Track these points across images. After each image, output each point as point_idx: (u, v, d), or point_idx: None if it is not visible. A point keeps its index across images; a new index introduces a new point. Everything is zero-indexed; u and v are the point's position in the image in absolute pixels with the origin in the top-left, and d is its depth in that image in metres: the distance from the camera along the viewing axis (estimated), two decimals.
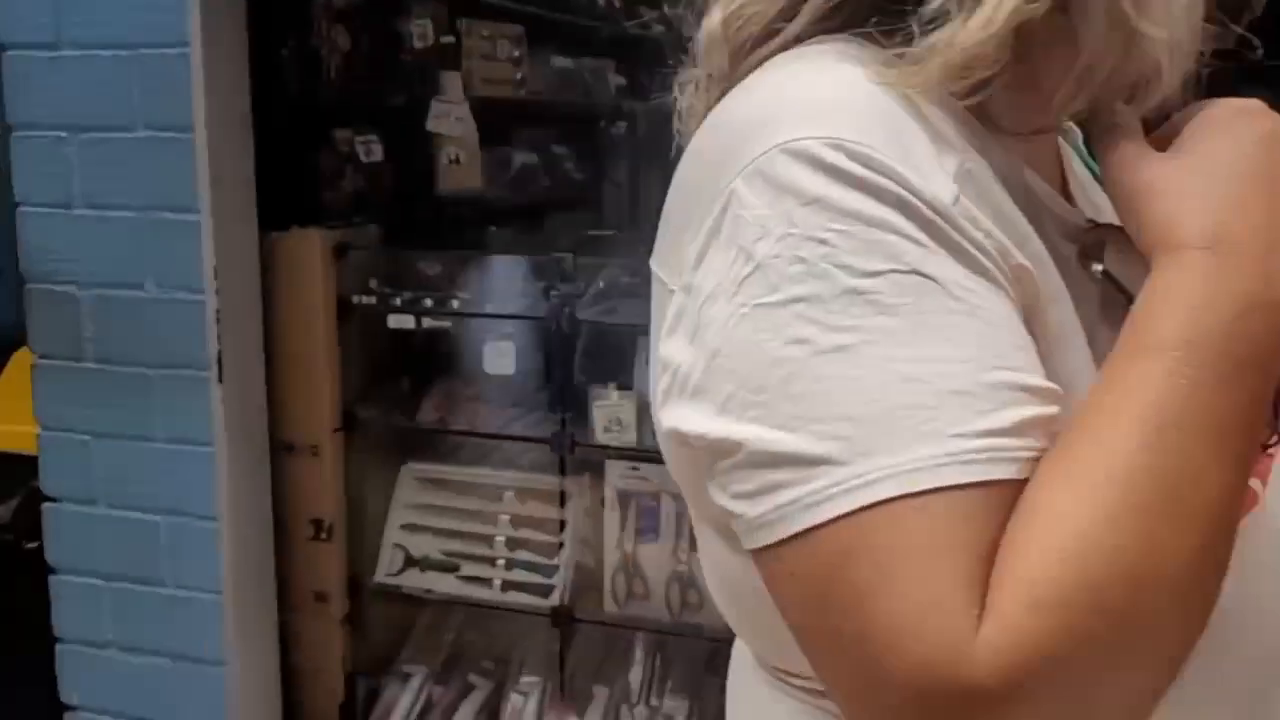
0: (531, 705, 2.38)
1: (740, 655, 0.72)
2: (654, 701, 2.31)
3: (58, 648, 2.31)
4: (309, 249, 2.21)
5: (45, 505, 2.25)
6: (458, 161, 2.48)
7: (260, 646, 2.27)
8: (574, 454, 2.19)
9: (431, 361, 2.35)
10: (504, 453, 2.39)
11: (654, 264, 0.63)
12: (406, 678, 2.46)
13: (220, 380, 2.08)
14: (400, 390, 2.38)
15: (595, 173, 3.44)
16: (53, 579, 2.28)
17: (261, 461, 2.24)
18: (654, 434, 2.03)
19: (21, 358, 2.60)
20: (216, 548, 2.14)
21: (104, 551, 2.22)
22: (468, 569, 2.34)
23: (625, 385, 2.15)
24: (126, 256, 2.08)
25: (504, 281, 2.27)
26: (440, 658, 2.50)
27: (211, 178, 2.01)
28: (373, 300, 2.25)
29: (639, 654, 2.33)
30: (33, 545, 2.50)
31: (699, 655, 2.34)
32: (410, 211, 2.51)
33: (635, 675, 2.32)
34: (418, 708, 2.43)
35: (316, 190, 2.32)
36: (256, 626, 2.25)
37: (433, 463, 2.42)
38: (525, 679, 2.41)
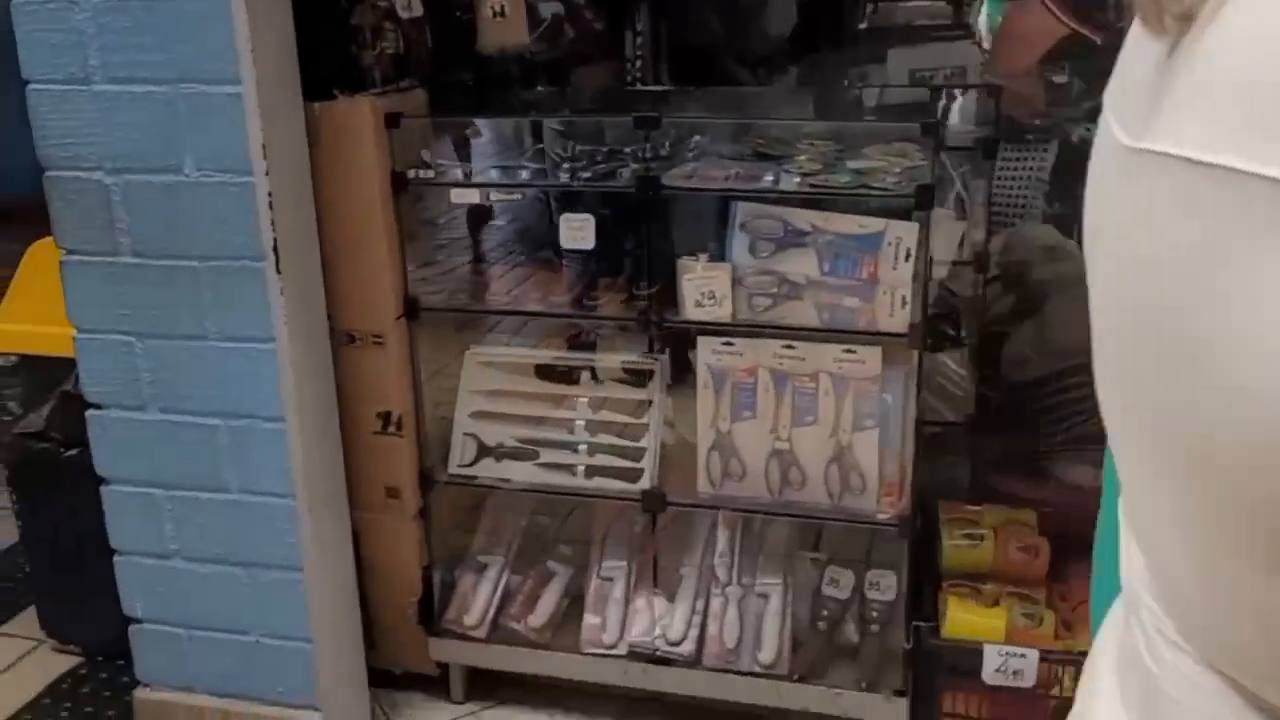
0: (618, 589, 2.30)
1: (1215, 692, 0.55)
2: (745, 580, 2.24)
3: (116, 560, 2.18)
4: (358, 119, 1.99)
5: (89, 413, 2.08)
6: (502, 14, 2.25)
7: (335, 549, 2.15)
8: (662, 331, 2.05)
9: (496, 238, 2.18)
10: (575, 331, 2.24)
11: (1176, 146, 0.44)
12: (483, 568, 2.37)
13: (279, 270, 1.89)
14: (462, 271, 2.20)
15: (616, 21, 3.19)
16: (105, 490, 2.13)
17: (325, 355, 2.07)
18: (750, 306, 1.85)
19: (39, 250, 2.39)
20: (286, 449, 1.99)
21: (159, 459, 2.07)
22: (547, 455, 2.21)
23: (716, 256, 1.99)
24: (159, 136, 1.86)
25: (572, 147, 2.07)
26: (515, 545, 2.41)
27: (253, 41, 1.78)
28: (430, 173, 2.05)
29: (726, 533, 2.24)
30: (72, 453, 2.35)
31: (792, 532, 2.26)
32: (452, 72, 2.28)
33: (725, 555, 2.24)
34: (497, 597, 2.34)
35: (354, 52, 2.08)
36: (331, 528, 2.13)
37: (499, 345, 2.26)
38: (608, 563, 2.33)
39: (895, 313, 1.90)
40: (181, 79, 1.81)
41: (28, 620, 2.71)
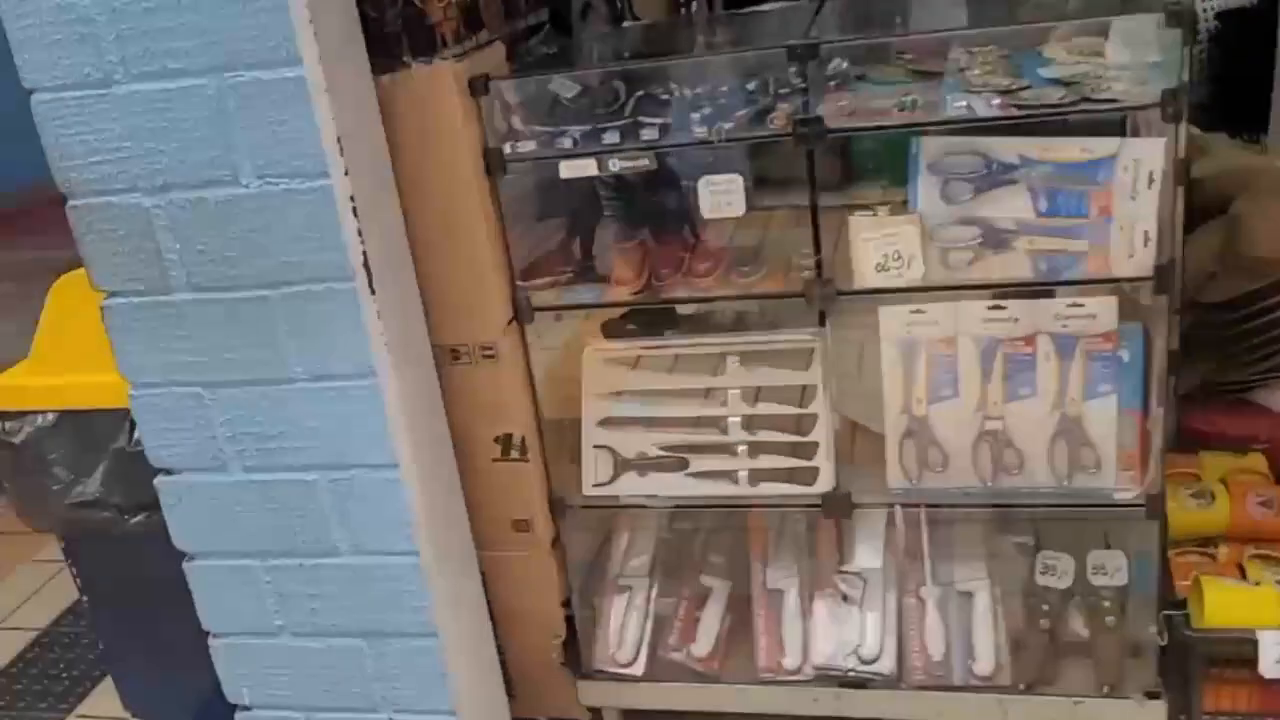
0: (790, 601, 1.97)
1: None
2: (943, 577, 1.91)
3: (211, 642, 1.85)
4: (439, 89, 1.61)
5: (159, 480, 1.74)
6: None
7: (469, 604, 1.83)
8: (836, 303, 1.69)
9: (613, 215, 1.81)
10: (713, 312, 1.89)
11: None
12: (626, 592, 2.04)
13: (372, 290, 1.53)
14: (574, 256, 1.84)
15: None
16: (190, 566, 1.80)
17: (432, 383, 1.73)
18: (945, 263, 1.49)
19: (66, 285, 2.03)
20: (402, 499, 1.65)
21: (250, 526, 1.73)
22: (699, 463, 1.87)
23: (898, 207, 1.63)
24: (206, 142, 1.49)
25: (700, 95, 1.69)
26: (658, 561, 2.08)
27: (311, 8, 1.40)
28: (531, 145, 1.68)
29: (904, 526, 1.91)
30: (137, 519, 2.01)
31: (991, 519, 1.93)
32: (526, 15, 1.89)
33: (914, 550, 1.90)
34: (649, 625, 2.02)
35: (418, 6, 1.69)
36: (461, 582, 1.80)
37: (624, 339, 1.91)
38: (774, 572, 2.00)
39: (1136, 252, 1.53)
40: (227, 66, 1.43)
41: (105, 697, 2.42)
